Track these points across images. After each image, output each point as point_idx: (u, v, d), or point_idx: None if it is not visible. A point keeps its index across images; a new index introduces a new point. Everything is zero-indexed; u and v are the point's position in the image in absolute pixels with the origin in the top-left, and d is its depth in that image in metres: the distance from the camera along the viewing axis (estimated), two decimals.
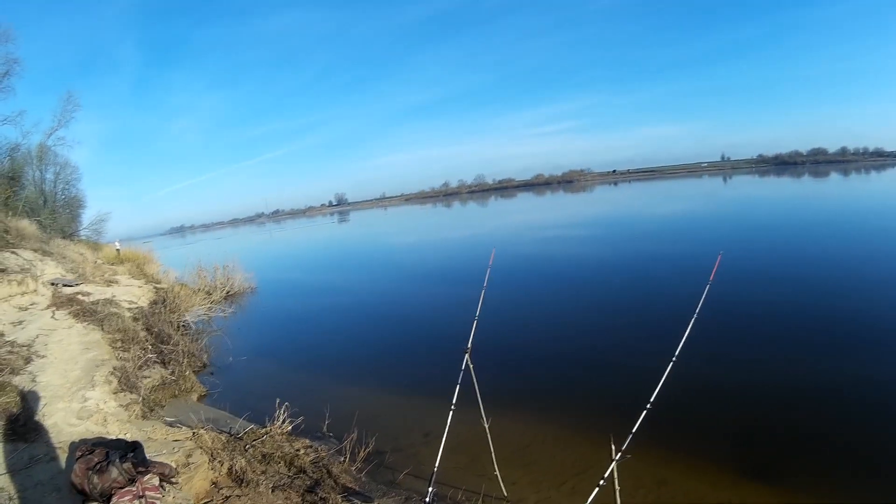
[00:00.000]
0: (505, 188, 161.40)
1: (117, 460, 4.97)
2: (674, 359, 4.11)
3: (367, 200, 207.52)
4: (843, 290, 11.71)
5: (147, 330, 12.12)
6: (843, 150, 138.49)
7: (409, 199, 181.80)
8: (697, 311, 4.23)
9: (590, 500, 3.98)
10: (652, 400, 3.96)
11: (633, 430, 3.97)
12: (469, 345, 4.63)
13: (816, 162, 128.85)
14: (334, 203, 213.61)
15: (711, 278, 4.29)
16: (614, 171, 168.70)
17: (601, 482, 4.00)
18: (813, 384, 7.45)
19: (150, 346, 10.88)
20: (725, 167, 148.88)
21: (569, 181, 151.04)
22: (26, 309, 11.14)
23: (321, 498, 5.46)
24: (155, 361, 10.13)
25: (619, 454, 3.99)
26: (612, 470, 4.01)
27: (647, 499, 5.21)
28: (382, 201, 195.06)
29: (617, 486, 4.07)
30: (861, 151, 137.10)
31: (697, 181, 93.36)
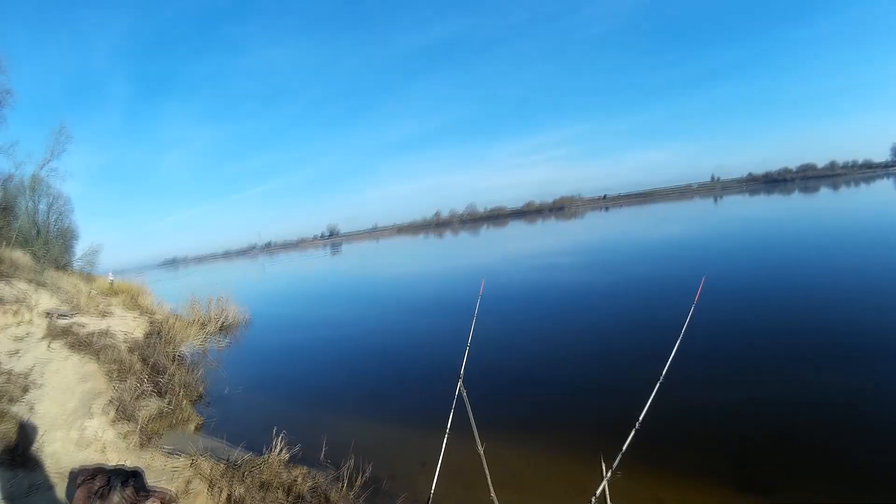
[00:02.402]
0: (496, 217, 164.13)
1: (119, 486, 5.17)
2: (661, 380, 4.37)
3: (359, 232, 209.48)
4: (828, 306, 12.19)
5: (143, 361, 12.29)
6: (832, 165, 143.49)
7: (401, 230, 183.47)
8: (682, 332, 4.47)
9: None
10: (641, 420, 4.20)
11: (623, 449, 4.20)
12: (462, 371, 4.84)
13: (806, 178, 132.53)
14: (327, 235, 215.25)
15: (696, 301, 4.54)
16: (605, 196, 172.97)
17: (592, 499, 4.24)
18: (801, 399, 7.76)
19: (146, 377, 11.05)
20: (716, 187, 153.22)
21: (560, 208, 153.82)
22: (22, 339, 11.32)
23: None
24: (151, 392, 10.31)
25: (610, 472, 4.23)
26: (604, 488, 4.25)
27: None
28: (375, 233, 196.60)
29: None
30: (850, 164, 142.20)
31: (688, 203, 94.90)
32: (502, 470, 5.56)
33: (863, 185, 78.65)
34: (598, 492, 4.29)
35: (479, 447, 5.05)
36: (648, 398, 4.25)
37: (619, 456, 4.23)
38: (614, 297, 17.36)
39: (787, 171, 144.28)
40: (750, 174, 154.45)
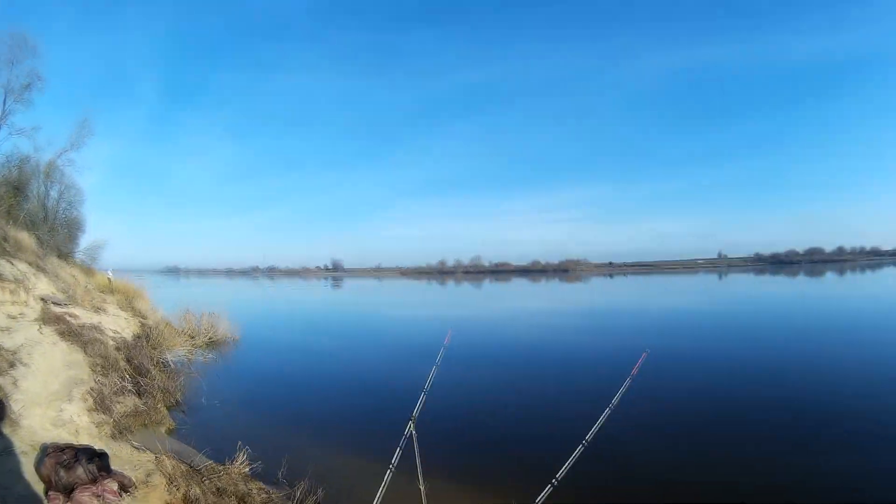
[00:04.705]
0: (501, 272, 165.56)
1: (85, 461, 5.78)
2: (584, 443, 4.98)
3: (362, 269, 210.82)
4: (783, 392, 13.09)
5: (128, 361, 12.87)
6: (840, 250, 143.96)
7: (404, 272, 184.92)
8: (613, 403, 5.05)
9: None
10: (559, 477, 4.84)
11: (539, 503, 4.85)
12: (414, 414, 5.38)
13: (812, 261, 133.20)
14: (330, 267, 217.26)
15: (634, 373, 5.11)
16: (611, 263, 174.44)
17: None
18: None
19: (128, 376, 11.63)
20: (721, 264, 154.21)
21: (564, 270, 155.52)
22: (15, 318, 11.94)
23: None
24: (131, 391, 10.85)
25: None
26: None
27: None
28: (377, 272, 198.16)
29: None
30: (857, 251, 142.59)
31: (692, 278, 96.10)
32: None
33: (868, 273, 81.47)
34: None
35: (421, 485, 5.57)
36: (571, 458, 4.90)
37: None
38: (570, 359, 18.83)
39: (794, 252, 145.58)
40: (757, 253, 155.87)
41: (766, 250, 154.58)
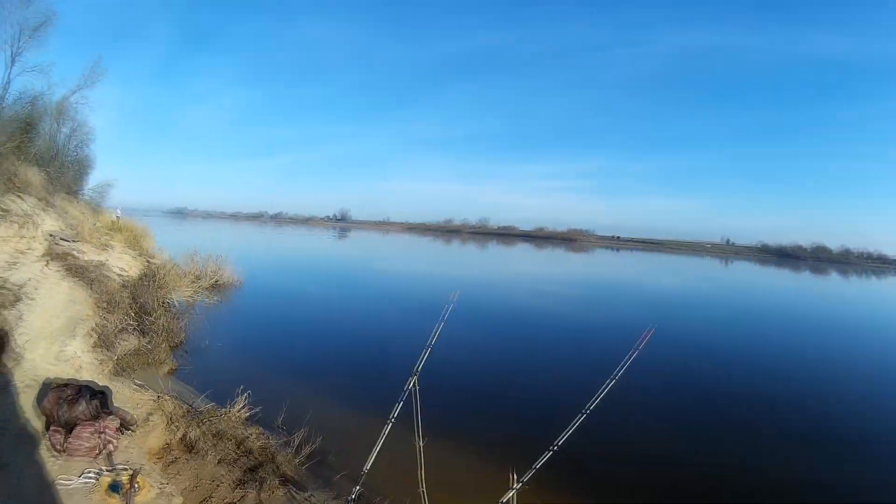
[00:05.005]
0: (506, 235, 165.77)
1: (88, 397, 5.83)
2: (585, 412, 4.99)
3: (369, 221, 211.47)
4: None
5: (132, 299, 12.95)
6: (846, 251, 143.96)
7: (410, 227, 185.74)
8: (616, 374, 5.04)
9: None
10: (559, 444, 4.87)
11: (535, 467, 4.90)
12: (417, 368, 5.39)
13: (818, 259, 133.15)
14: (337, 217, 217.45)
15: (640, 347, 5.08)
16: (617, 237, 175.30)
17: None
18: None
19: (132, 315, 11.71)
20: (727, 251, 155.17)
21: (570, 239, 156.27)
22: (22, 253, 12.01)
23: (260, 478, 6.21)
24: (134, 329, 10.95)
25: (519, 484, 4.95)
26: (512, 497, 4.97)
27: None
28: (384, 225, 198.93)
29: None
30: (863, 254, 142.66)
31: (699, 260, 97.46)
32: (436, 466, 6.11)
33: (873, 278, 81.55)
34: (504, 499, 5.00)
35: (419, 441, 5.62)
36: (571, 425, 4.90)
37: (532, 471, 4.94)
38: (576, 330, 19.37)
39: (800, 248, 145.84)
40: (763, 243, 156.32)
41: (772, 241, 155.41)
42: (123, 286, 13.86)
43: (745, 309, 29.63)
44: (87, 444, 5.44)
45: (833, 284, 63.31)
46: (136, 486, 5.00)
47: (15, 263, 11.02)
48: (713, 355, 16.06)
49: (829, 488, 7.85)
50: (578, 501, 6.90)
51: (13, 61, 23.55)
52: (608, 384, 5.00)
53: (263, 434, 7.56)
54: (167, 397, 7.81)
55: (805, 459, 8.84)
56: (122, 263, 16.76)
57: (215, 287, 20.69)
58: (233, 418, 7.63)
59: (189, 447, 6.70)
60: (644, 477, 7.76)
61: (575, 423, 4.89)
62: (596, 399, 4.98)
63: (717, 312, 27.20)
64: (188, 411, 7.62)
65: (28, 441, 5.36)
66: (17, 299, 9.10)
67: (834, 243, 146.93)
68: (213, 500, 5.58)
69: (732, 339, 19.24)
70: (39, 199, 17.00)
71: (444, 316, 5.76)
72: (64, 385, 6.03)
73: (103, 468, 5.24)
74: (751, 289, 44.95)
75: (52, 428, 5.51)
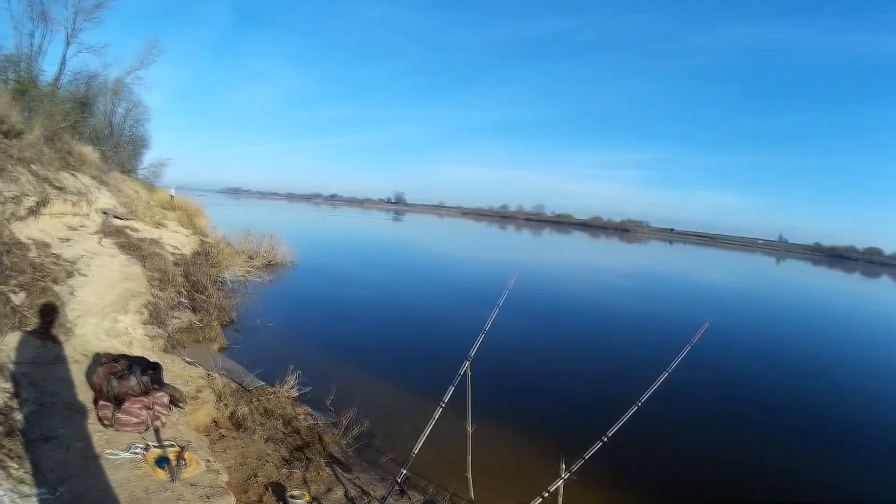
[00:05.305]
0: (561, 223, 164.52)
1: (139, 372, 5.72)
2: (638, 403, 4.74)
3: (424, 205, 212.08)
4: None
5: (185, 276, 13.04)
6: None
7: (466, 212, 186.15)
8: (671, 367, 4.74)
9: None
10: (609, 435, 4.65)
11: (585, 457, 4.69)
12: (471, 353, 5.12)
13: (870, 261, 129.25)
14: (392, 200, 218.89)
15: (694, 341, 4.74)
16: (672, 229, 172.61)
17: (545, 494, 4.82)
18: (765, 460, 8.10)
19: (184, 292, 11.79)
20: (780, 248, 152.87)
21: (625, 230, 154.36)
22: (76, 230, 12.13)
23: (307, 457, 6.07)
24: (186, 306, 10.97)
25: (567, 474, 4.76)
26: (560, 487, 4.81)
27: None
28: (439, 209, 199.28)
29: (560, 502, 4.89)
30: None
31: (751, 256, 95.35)
32: (485, 453, 5.98)
33: None
34: (552, 488, 4.81)
35: (469, 426, 5.42)
36: (623, 417, 4.66)
37: (581, 461, 4.70)
38: (629, 320, 18.93)
39: (853, 249, 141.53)
40: (817, 243, 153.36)
41: (827, 241, 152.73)
42: (176, 263, 13.95)
43: (800, 308, 28.87)
44: (136, 419, 5.33)
45: (885, 287, 60.67)
46: (184, 461, 4.89)
47: (69, 239, 11.11)
48: (768, 353, 15.50)
49: None
50: (624, 495, 6.63)
51: (69, 42, 23.86)
52: (662, 376, 4.74)
53: (311, 414, 7.45)
54: (217, 374, 7.72)
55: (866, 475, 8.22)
56: (175, 241, 16.92)
57: (269, 266, 20.82)
58: (282, 397, 7.51)
59: (237, 424, 6.58)
60: (690, 475, 7.45)
61: (627, 415, 4.65)
62: (650, 391, 4.73)
63: (773, 311, 26.29)
64: (237, 389, 7.52)
65: (76, 414, 5.29)
66: (70, 274, 9.13)
67: (889, 247, 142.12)
68: (259, 477, 5.46)
69: (789, 339, 18.51)
70: (94, 177, 17.22)
71: (500, 301, 5.44)
72: (115, 359, 5.95)
73: (151, 443, 5.12)
74: (807, 289, 43.17)
75: (100, 402, 5.42)
